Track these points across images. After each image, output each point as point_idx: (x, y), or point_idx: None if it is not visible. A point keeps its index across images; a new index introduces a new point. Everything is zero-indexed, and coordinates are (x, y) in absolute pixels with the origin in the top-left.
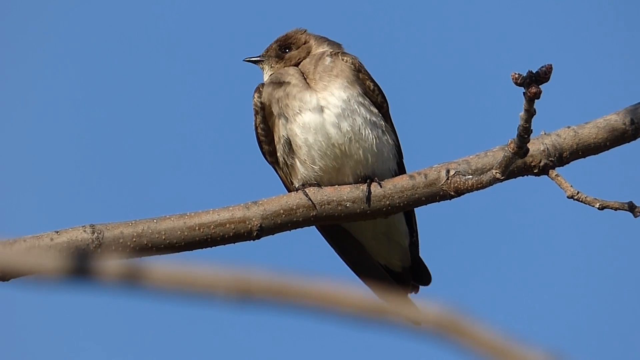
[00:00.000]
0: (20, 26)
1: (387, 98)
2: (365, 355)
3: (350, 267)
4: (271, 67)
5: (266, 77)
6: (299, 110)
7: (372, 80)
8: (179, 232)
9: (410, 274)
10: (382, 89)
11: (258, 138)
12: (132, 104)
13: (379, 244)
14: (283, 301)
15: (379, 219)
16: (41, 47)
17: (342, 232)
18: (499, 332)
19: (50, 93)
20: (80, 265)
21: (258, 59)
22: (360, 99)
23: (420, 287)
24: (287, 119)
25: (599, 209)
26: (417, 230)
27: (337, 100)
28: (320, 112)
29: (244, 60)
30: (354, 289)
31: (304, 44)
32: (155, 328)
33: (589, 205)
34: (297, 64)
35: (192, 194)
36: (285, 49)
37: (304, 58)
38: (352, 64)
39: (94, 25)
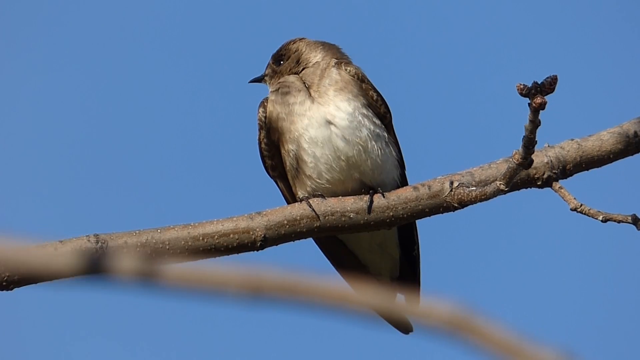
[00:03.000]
0: (26, 29)
1: (390, 108)
2: (372, 354)
3: (342, 277)
4: (272, 82)
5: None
6: (306, 124)
7: (376, 91)
8: (182, 242)
9: (398, 286)
10: (385, 99)
11: (261, 152)
12: (138, 112)
13: (373, 255)
14: (294, 299)
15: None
16: (46, 53)
17: (336, 242)
18: (511, 331)
19: (56, 99)
20: (93, 267)
21: (260, 77)
22: (365, 111)
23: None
24: (294, 134)
25: (602, 221)
26: (418, 242)
27: (343, 113)
28: (327, 126)
29: (249, 82)
30: (364, 287)
31: (294, 52)
32: (168, 325)
33: (593, 217)
34: (296, 73)
35: (196, 204)
36: (278, 62)
37: (304, 67)
38: (355, 74)
39: (103, 35)
